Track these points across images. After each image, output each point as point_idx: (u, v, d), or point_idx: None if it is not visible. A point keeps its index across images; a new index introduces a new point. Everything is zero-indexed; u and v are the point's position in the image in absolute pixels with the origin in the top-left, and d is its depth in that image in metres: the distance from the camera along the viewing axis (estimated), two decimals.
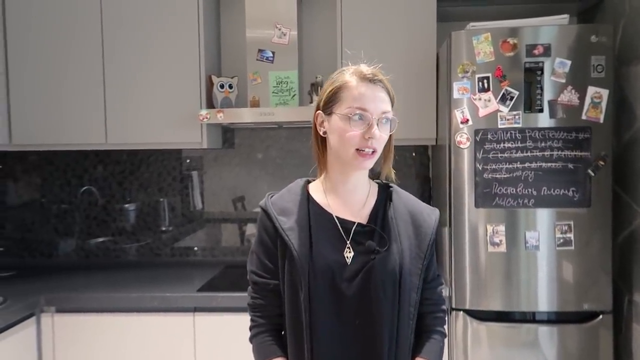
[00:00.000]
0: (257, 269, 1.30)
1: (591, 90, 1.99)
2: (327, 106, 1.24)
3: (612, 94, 2.00)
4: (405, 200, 1.33)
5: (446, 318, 1.38)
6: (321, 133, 1.26)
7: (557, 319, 2.08)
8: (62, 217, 2.86)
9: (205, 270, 2.59)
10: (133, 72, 2.44)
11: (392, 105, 1.26)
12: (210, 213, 2.84)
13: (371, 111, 1.19)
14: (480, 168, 2.03)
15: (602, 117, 1.99)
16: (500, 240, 2.03)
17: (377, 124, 1.19)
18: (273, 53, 2.46)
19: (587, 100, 1.99)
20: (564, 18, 2.06)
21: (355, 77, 1.22)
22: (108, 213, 2.85)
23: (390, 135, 1.27)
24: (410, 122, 2.36)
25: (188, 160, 2.82)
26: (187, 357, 2.19)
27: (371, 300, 1.20)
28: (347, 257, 1.22)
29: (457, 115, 2.05)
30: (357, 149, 1.19)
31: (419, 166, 2.74)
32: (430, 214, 1.32)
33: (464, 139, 2.05)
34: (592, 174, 2.00)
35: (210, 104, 2.48)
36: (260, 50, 2.46)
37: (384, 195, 1.32)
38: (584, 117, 2.00)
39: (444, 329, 1.35)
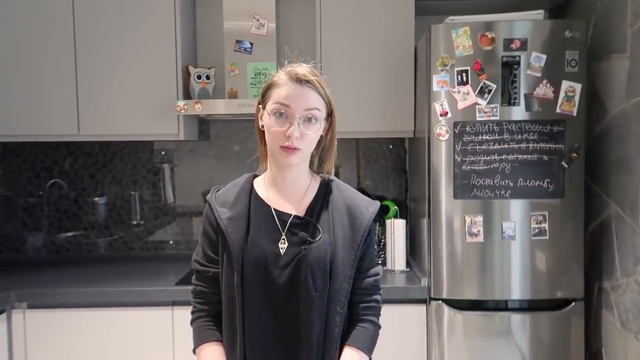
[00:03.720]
0: (200, 258, 1.37)
1: (565, 84, 2.04)
2: (263, 101, 1.31)
3: (585, 88, 2.05)
4: (344, 193, 1.37)
5: (381, 308, 1.40)
6: (260, 127, 1.33)
7: (530, 306, 2.12)
8: (30, 210, 2.77)
9: (180, 264, 2.55)
10: (107, 61, 2.37)
11: (330, 107, 1.30)
12: (186, 206, 2.80)
13: (293, 110, 1.23)
14: (458, 160, 2.07)
15: (575, 110, 2.05)
16: (478, 231, 2.07)
17: (300, 123, 1.24)
18: (251, 44, 2.43)
19: (562, 94, 2.04)
20: (539, 13, 2.11)
21: (286, 76, 1.27)
22: (79, 206, 2.78)
23: (331, 136, 1.34)
24: (388, 115, 2.39)
25: (163, 153, 2.77)
26: (166, 352, 2.16)
27: (300, 288, 1.26)
28: (282, 248, 1.28)
29: (437, 108, 2.07)
30: (281, 146, 1.25)
31: (396, 158, 2.76)
32: (367, 206, 1.36)
33: (443, 131, 2.07)
34: (566, 166, 2.06)
35: (187, 95, 2.44)
36: (238, 41, 2.43)
37: (324, 189, 1.36)
38: (558, 110, 2.05)
39: (377, 319, 1.38)
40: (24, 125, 2.38)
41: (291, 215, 1.32)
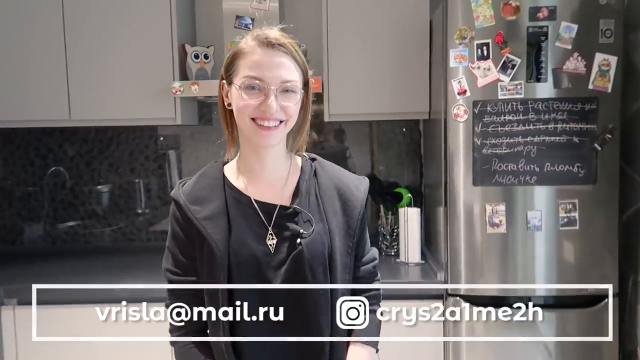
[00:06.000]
0: (171, 266, 1.19)
1: (599, 57, 1.87)
2: (228, 75, 1.13)
3: (621, 61, 1.88)
4: (330, 173, 1.22)
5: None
6: (226, 105, 1.15)
7: (558, 303, 1.98)
8: (26, 200, 2.68)
9: None
10: (98, 41, 2.25)
11: (305, 73, 1.14)
12: None
13: (267, 80, 1.07)
14: (478, 143, 1.91)
15: (609, 86, 1.88)
16: (500, 221, 1.92)
17: (278, 94, 1.08)
18: (252, 20, 2.28)
19: (595, 68, 1.87)
20: None
21: (254, 42, 1.09)
22: (76, 196, 2.68)
23: (305, 109, 1.18)
24: (401, 95, 2.25)
25: (162, 138, 2.65)
26: (164, 351, 2.05)
27: (301, 289, 1.13)
28: (270, 245, 1.13)
29: (454, 86, 1.91)
30: (253, 119, 1.09)
31: (410, 142, 2.61)
32: (358, 185, 1.22)
33: (461, 111, 1.91)
34: (599, 148, 1.89)
35: (184, 76, 2.30)
36: (238, 17, 2.28)
37: (308, 170, 1.21)
38: (590, 86, 1.88)
39: (379, 306, 1.26)
40: (11, 110, 2.27)
41: (276, 205, 1.15)
